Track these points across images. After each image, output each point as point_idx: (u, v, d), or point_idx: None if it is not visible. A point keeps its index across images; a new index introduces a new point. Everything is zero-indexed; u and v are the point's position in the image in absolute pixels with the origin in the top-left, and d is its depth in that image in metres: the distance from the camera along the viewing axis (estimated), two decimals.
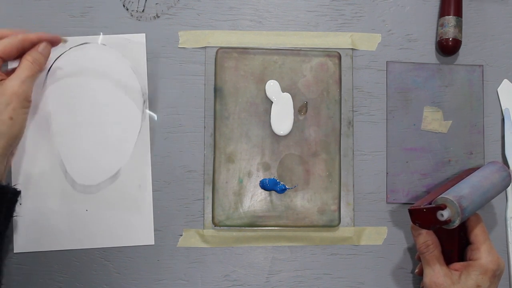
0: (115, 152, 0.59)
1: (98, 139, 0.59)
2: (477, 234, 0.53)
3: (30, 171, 0.58)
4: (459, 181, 0.53)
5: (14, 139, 0.52)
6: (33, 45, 0.54)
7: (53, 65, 0.58)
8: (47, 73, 0.58)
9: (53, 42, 0.56)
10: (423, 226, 0.51)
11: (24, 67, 0.53)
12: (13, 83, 0.52)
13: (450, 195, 0.50)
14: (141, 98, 0.59)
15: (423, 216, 0.51)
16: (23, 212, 0.57)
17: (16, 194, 0.53)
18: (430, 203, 0.51)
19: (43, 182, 0.58)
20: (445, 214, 0.49)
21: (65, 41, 0.57)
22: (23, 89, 0.52)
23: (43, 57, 0.54)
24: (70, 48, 0.58)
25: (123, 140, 0.59)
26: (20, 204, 0.57)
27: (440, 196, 0.50)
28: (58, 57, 0.58)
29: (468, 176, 0.54)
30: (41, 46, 0.54)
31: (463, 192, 0.50)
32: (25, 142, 0.58)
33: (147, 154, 0.59)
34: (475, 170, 0.55)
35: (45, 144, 0.58)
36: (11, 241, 0.57)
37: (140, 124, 0.59)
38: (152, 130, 0.59)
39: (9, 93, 0.51)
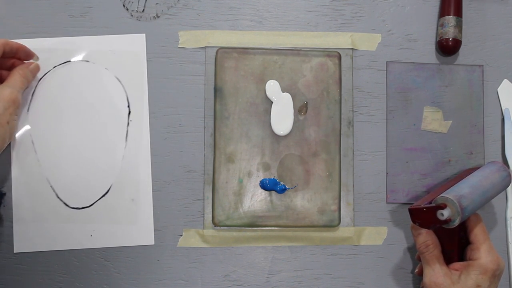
0: (104, 170, 0.58)
1: (85, 160, 0.59)
2: (477, 234, 0.53)
3: (21, 198, 0.58)
4: (459, 181, 0.53)
5: (7, 142, 0.55)
6: (12, 51, 0.56)
7: (37, 87, 0.59)
8: (31, 96, 0.58)
9: (29, 55, 0.58)
10: (423, 225, 0.51)
11: (16, 78, 0.55)
12: (9, 90, 0.54)
13: (450, 194, 0.50)
14: (126, 109, 0.59)
15: (423, 215, 0.51)
16: (23, 213, 0.57)
17: None
18: (430, 203, 0.51)
19: (36, 205, 0.58)
20: (445, 214, 0.49)
21: (37, 59, 0.58)
22: (17, 96, 0.55)
23: (31, 75, 0.57)
24: (54, 67, 0.59)
25: (110, 156, 0.59)
26: (4, 206, 0.58)
27: (440, 195, 0.50)
28: (42, 77, 0.58)
29: (468, 176, 0.54)
30: (32, 65, 0.57)
31: (463, 192, 0.50)
32: (12, 168, 0.58)
33: (137, 166, 0.59)
34: (475, 170, 0.55)
35: (32, 171, 0.58)
36: (11, 241, 0.57)
37: (125, 137, 0.59)
38: (152, 130, 0.59)
39: (7, 99, 0.54)
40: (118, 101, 0.59)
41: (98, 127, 0.59)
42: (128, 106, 0.59)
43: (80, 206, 0.58)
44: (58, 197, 0.58)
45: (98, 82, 0.59)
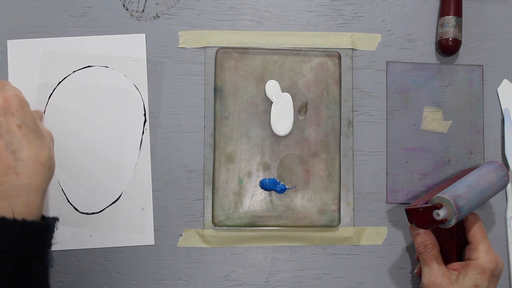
0: (115, 177, 0.58)
1: (97, 166, 0.58)
2: (475, 233, 0.53)
3: None
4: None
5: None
6: None
7: (55, 90, 0.58)
8: (48, 99, 0.58)
9: None
10: (420, 225, 0.52)
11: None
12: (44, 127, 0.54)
13: (446, 194, 0.50)
14: (142, 117, 0.59)
15: (419, 215, 0.51)
16: None
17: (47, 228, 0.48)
18: (426, 203, 0.51)
19: (47, 207, 0.58)
20: (441, 213, 0.49)
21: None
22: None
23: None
24: (74, 71, 0.58)
25: (123, 164, 0.58)
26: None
27: (436, 195, 0.50)
28: (61, 81, 0.58)
29: (465, 176, 0.54)
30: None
31: (459, 192, 0.50)
32: None
33: (149, 175, 0.59)
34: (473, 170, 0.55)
35: None
36: None
37: (140, 146, 0.59)
38: (152, 130, 0.59)
39: (48, 133, 0.54)
40: (135, 109, 0.59)
41: (114, 133, 0.58)
42: (145, 115, 0.59)
43: (90, 212, 0.58)
44: (69, 201, 0.58)
45: (116, 89, 0.59)
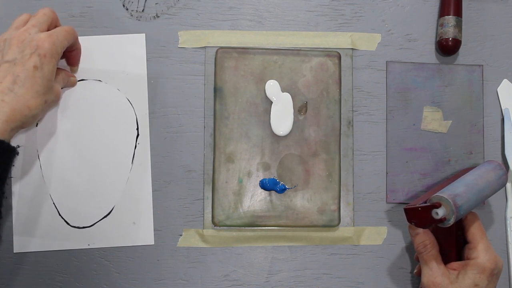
0: (107, 191, 0.58)
1: (89, 179, 0.58)
2: (474, 233, 0.53)
3: (23, 211, 0.57)
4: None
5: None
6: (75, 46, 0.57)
7: None
8: None
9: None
10: (419, 225, 0.52)
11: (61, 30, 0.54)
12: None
13: (444, 193, 0.50)
14: (135, 131, 0.59)
15: (418, 215, 0.51)
16: (23, 213, 0.57)
17: (11, 151, 0.50)
18: (425, 202, 0.51)
19: (38, 220, 0.58)
20: (439, 213, 0.49)
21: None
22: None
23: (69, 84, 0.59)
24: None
25: (115, 178, 0.58)
26: (13, 166, 0.57)
27: (434, 194, 0.50)
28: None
29: (464, 175, 0.54)
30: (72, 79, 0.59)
31: (458, 191, 0.50)
32: (17, 182, 0.58)
33: (140, 190, 0.58)
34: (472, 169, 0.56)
35: (36, 186, 0.58)
36: (11, 241, 0.57)
37: (132, 160, 0.59)
38: (152, 130, 0.59)
39: (57, 93, 0.55)
40: (128, 123, 0.59)
41: (106, 147, 0.58)
42: (137, 129, 0.59)
43: (81, 226, 0.58)
44: (60, 215, 0.58)
45: (109, 103, 0.59)
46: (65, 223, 0.58)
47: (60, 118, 0.58)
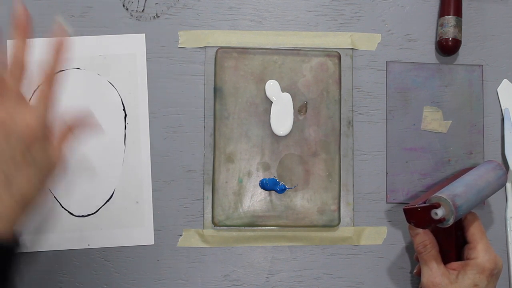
0: (105, 176, 0.58)
1: (85, 167, 0.58)
2: (474, 233, 0.53)
3: None
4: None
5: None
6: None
7: (32, 98, 0.58)
8: None
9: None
10: (418, 225, 0.52)
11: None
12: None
13: (444, 193, 0.50)
14: (122, 112, 0.59)
15: (417, 215, 0.51)
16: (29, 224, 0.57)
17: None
18: (424, 202, 0.51)
19: (41, 215, 0.58)
20: (439, 213, 0.49)
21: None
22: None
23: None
24: None
25: (111, 161, 0.58)
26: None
27: (434, 195, 0.50)
28: (36, 89, 0.58)
29: (463, 175, 0.54)
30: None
31: (457, 191, 0.50)
32: None
33: (138, 168, 0.58)
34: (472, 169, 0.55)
35: None
36: None
37: (124, 141, 0.59)
38: (152, 130, 0.59)
39: (57, 158, 0.45)
40: (113, 105, 0.59)
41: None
42: (124, 109, 0.59)
43: (86, 214, 0.58)
44: (63, 207, 0.58)
45: (91, 89, 0.59)
46: (69, 214, 0.58)
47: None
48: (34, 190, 0.43)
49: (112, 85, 0.59)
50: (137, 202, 0.58)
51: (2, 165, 0.41)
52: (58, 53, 0.45)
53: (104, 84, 0.59)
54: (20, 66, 0.44)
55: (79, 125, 0.48)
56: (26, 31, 0.45)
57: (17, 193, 0.42)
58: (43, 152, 0.43)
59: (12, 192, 0.41)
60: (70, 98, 0.58)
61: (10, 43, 0.59)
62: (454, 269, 0.52)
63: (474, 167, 0.57)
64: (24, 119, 0.42)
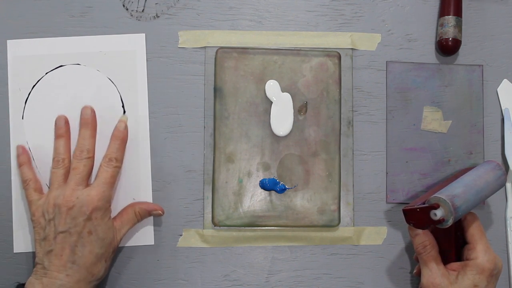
0: None
1: None
2: (473, 233, 0.53)
3: (22, 205, 0.58)
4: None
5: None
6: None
7: (30, 94, 0.58)
8: (25, 104, 0.58)
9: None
10: (417, 226, 0.52)
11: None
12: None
13: (443, 194, 0.50)
14: (121, 109, 0.59)
15: (416, 216, 0.51)
16: (23, 213, 0.57)
17: None
18: (423, 203, 0.51)
19: None
20: (438, 214, 0.49)
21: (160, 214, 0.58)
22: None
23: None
24: (46, 73, 0.58)
25: None
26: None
27: (433, 195, 0.50)
28: (35, 84, 0.58)
29: (463, 175, 0.54)
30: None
31: (456, 191, 0.50)
32: (12, 176, 0.58)
33: (137, 166, 0.58)
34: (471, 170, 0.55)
35: None
36: (11, 241, 0.57)
37: None
38: (152, 130, 0.59)
39: (115, 239, 0.55)
40: (112, 102, 0.59)
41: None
42: (123, 107, 0.59)
43: None
44: None
45: (90, 85, 0.59)
46: None
47: (45, 108, 0.58)
48: (97, 262, 0.52)
49: (112, 82, 0.59)
50: (133, 199, 0.58)
51: (69, 238, 0.50)
52: (121, 143, 0.56)
53: (103, 81, 0.59)
54: (85, 151, 0.55)
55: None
56: (93, 125, 0.57)
57: (83, 266, 0.50)
58: (106, 232, 0.52)
59: (79, 267, 0.50)
60: (69, 94, 0.59)
61: (10, 43, 0.59)
62: (453, 270, 0.52)
63: (473, 167, 0.57)
64: (89, 203, 0.51)
